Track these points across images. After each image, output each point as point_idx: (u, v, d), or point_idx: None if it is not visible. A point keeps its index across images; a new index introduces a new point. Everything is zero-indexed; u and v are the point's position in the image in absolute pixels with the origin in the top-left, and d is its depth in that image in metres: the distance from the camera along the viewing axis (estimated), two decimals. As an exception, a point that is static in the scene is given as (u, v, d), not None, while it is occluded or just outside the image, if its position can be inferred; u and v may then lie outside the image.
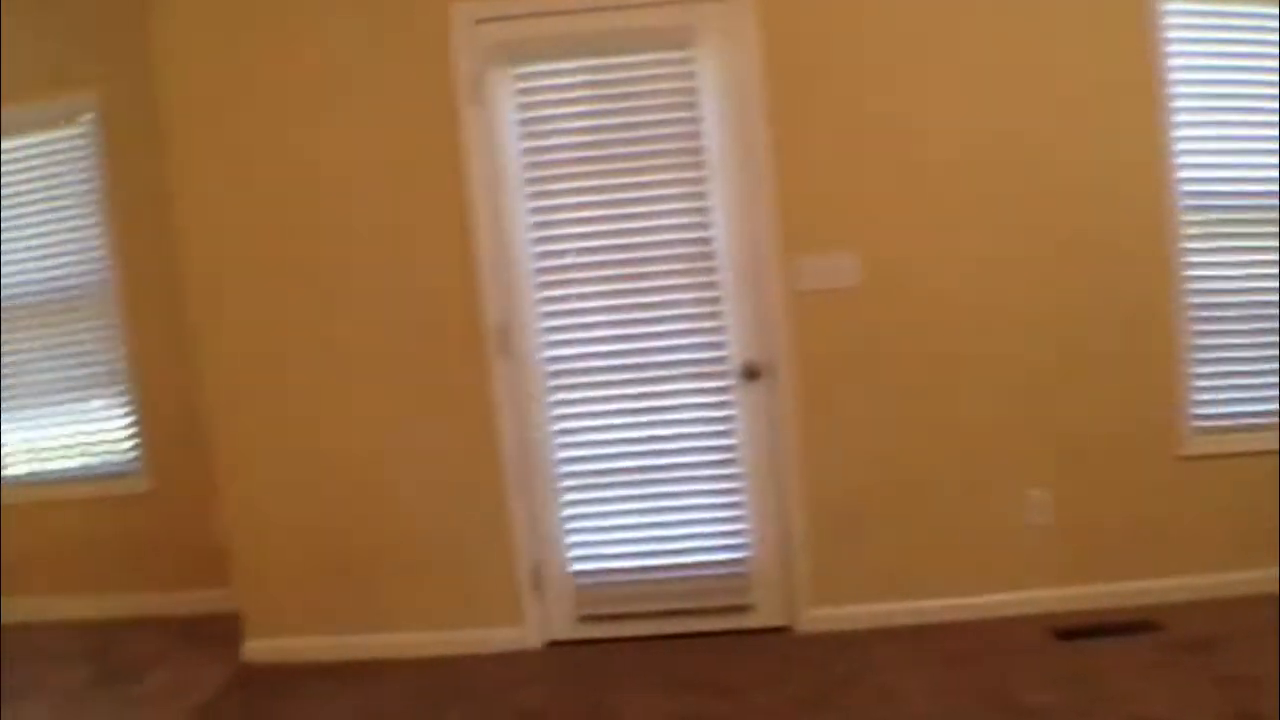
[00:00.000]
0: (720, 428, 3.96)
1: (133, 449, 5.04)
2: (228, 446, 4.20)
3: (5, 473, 5.21)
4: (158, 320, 4.84)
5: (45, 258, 5.01)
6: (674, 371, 3.95)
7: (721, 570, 4.01)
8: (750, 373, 3.92)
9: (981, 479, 3.89)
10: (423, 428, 4.04)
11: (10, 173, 4.98)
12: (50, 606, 5.19)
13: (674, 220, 3.88)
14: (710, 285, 3.90)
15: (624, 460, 4.01)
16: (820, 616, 3.96)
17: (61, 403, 5.12)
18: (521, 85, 3.89)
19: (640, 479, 4.00)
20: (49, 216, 4.97)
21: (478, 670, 3.95)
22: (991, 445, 3.88)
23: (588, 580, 4.08)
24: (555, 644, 4.11)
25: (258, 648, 4.28)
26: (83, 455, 5.13)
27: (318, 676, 4.07)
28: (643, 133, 3.85)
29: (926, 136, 3.78)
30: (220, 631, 4.54)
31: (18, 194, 4.98)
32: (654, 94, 3.84)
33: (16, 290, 5.05)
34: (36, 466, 5.18)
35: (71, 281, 4.99)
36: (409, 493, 4.08)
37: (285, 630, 4.23)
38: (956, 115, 3.78)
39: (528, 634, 4.09)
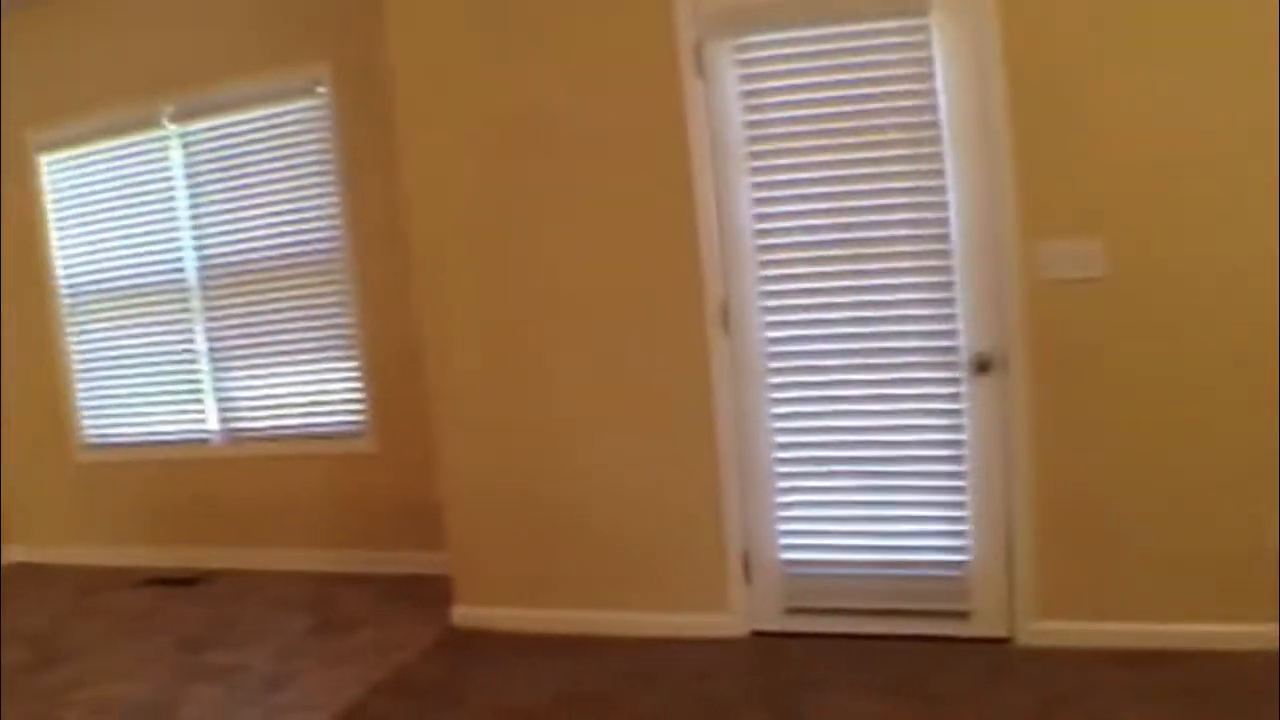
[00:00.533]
0: (946, 421, 3.81)
1: (361, 411, 5.32)
2: (446, 414, 4.35)
3: (246, 426, 5.60)
4: (386, 286, 5.11)
5: (287, 224, 5.36)
6: (899, 360, 3.82)
7: (940, 572, 3.87)
8: (981, 365, 3.73)
9: (1234, 493, 3.55)
10: (638, 402, 4.09)
11: (255, 141, 5.33)
12: (281, 557, 5.61)
13: (903, 200, 3.75)
14: (941, 270, 3.73)
15: (843, 449, 3.93)
16: (1045, 630, 3.75)
17: (301, 363, 5.47)
18: (744, 56, 3.84)
19: (859, 469, 3.90)
20: (291, 184, 5.30)
21: (678, 655, 3.98)
22: (1247, 458, 3.53)
23: (798, 571, 4.03)
24: (760, 634, 4.09)
25: (465, 613, 4.46)
26: (317, 414, 5.45)
27: (519, 647, 4.21)
28: (871, 106, 3.74)
29: (1180, 117, 3.45)
30: (432, 593, 4.76)
31: (262, 162, 5.34)
32: (884, 65, 3.72)
33: (263, 254, 5.41)
34: (275, 422, 5.54)
35: (310, 247, 5.31)
36: (621, 468, 4.15)
37: (492, 598, 4.40)
38: (1209, 98, 3.43)
39: (733, 622, 4.08)
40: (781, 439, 3.98)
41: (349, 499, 5.46)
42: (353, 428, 5.41)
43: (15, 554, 6.53)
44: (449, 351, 4.35)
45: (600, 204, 4.05)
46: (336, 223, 5.26)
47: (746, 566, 4.08)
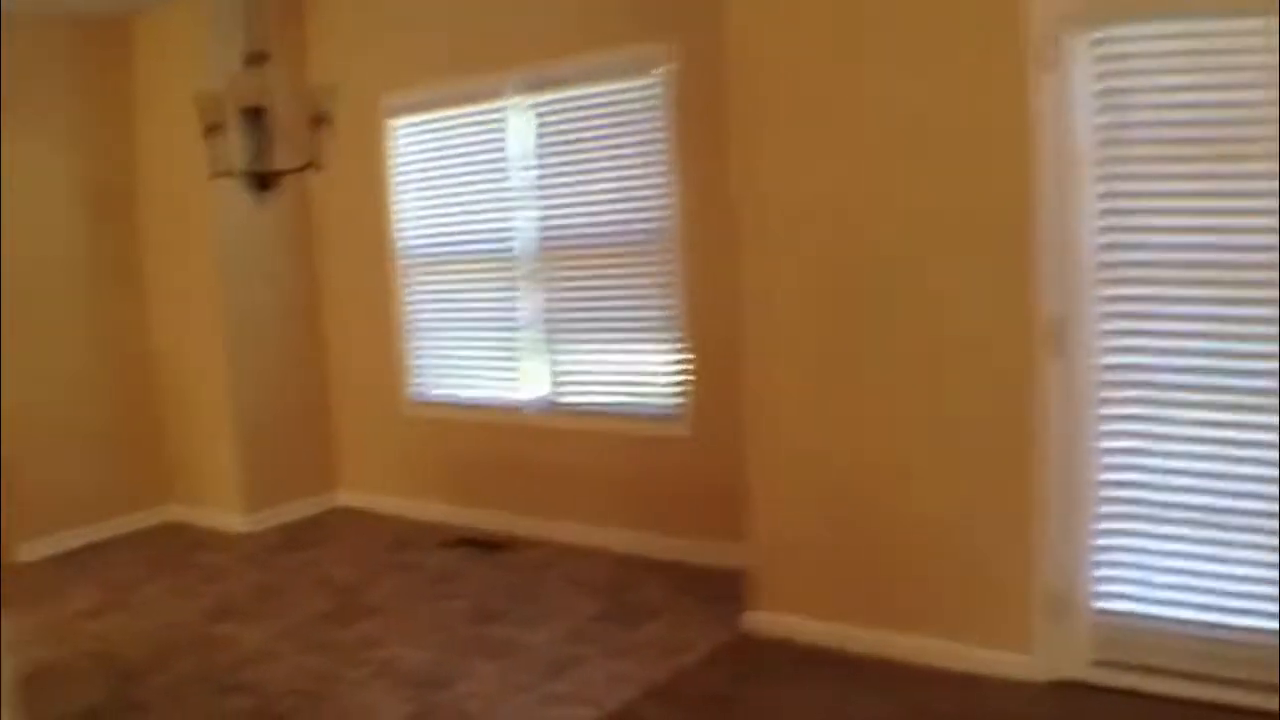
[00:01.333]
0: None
1: (678, 395, 5.42)
2: (759, 404, 4.36)
3: (564, 398, 5.81)
4: (710, 271, 5.19)
5: (619, 201, 5.53)
6: (1267, 400, 3.43)
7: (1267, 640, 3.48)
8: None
9: None
10: (955, 417, 3.98)
11: (594, 117, 5.53)
12: (585, 532, 5.84)
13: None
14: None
15: (1185, 494, 3.64)
16: None
17: (622, 340, 5.65)
18: (1101, 51, 3.59)
19: (1201, 519, 3.57)
20: (625, 161, 5.47)
21: (974, 696, 3.88)
22: None
23: (1115, 620, 3.78)
24: (1063, 684, 3.85)
25: (758, 619, 4.54)
26: (633, 393, 5.59)
27: (807, 663, 4.26)
28: (1249, 112, 3.36)
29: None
30: (728, 591, 4.85)
31: (600, 138, 5.54)
32: (1267, 67, 3.33)
33: (594, 229, 5.60)
34: (592, 397, 5.73)
35: (639, 226, 5.46)
36: (930, 485, 4.10)
37: (785, 604, 4.47)
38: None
39: (1032, 665, 3.93)
40: (1111, 475, 3.73)
41: (657, 481, 5.63)
42: (668, 410, 5.58)
43: (342, 498, 7.22)
44: (767, 341, 4.38)
45: (930, 203, 3.95)
46: (665, 203, 5.44)
47: (1054, 609, 3.86)
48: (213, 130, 4.54)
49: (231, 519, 6.85)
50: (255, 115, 4.43)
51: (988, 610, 4.00)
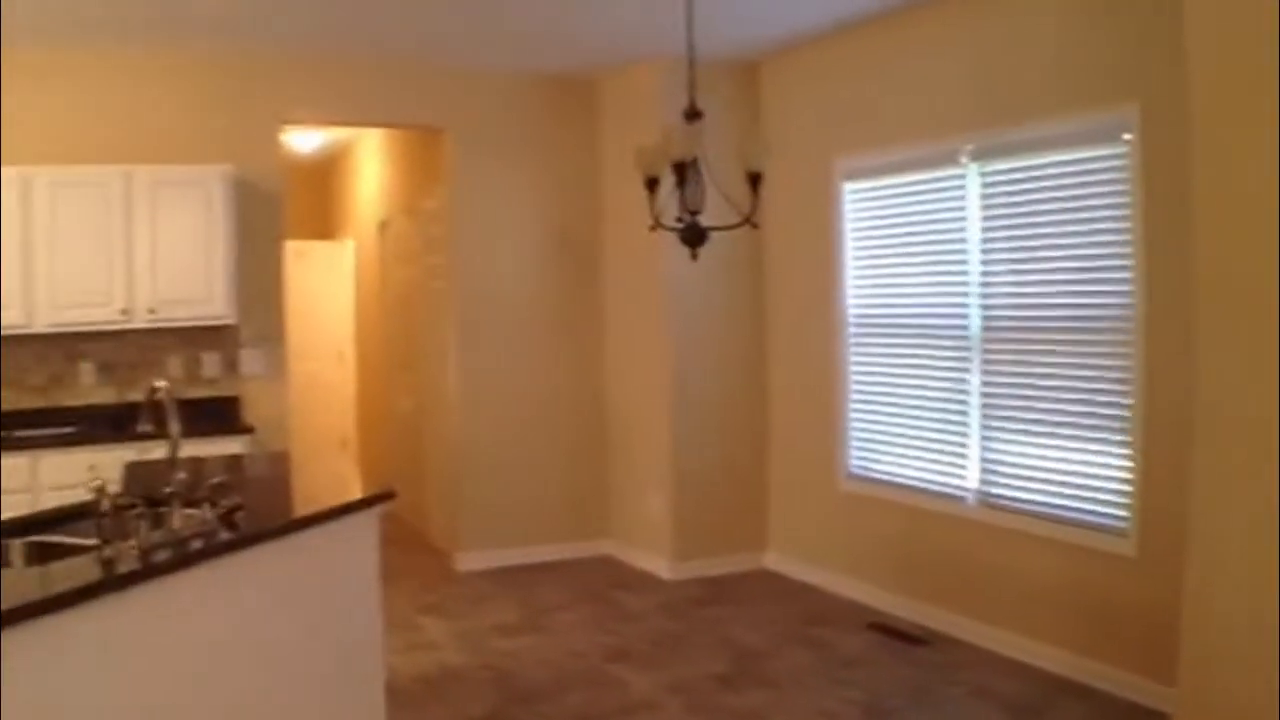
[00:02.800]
0: None
1: (1125, 505, 4.94)
2: (1203, 540, 3.85)
3: (1002, 493, 5.51)
4: (1178, 367, 4.59)
5: (1074, 281, 5.16)
6: None
7: None
8: None
9: None
10: None
11: (1049, 188, 5.27)
12: (1010, 642, 5.47)
13: None
14: None
15: None
16: None
17: (1065, 437, 5.25)
18: None
19: None
20: (1082, 238, 5.10)
21: None
22: None
23: None
24: None
25: None
26: (1073, 498, 5.19)
27: None
28: None
29: None
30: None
31: (1054, 210, 5.22)
32: None
33: (1044, 310, 5.31)
34: (1029, 495, 5.39)
35: (1095, 310, 5.06)
36: None
37: None
38: None
39: None
40: None
41: (1092, 599, 5.10)
42: (1112, 522, 5.04)
43: (770, 560, 7.25)
44: (1217, 462, 3.84)
45: None
46: (1128, 286, 4.94)
47: None
48: (651, 184, 4.79)
49: (659, 564, 7.10)
50: (684, 171, 4.60)
51: None
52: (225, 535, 3.23)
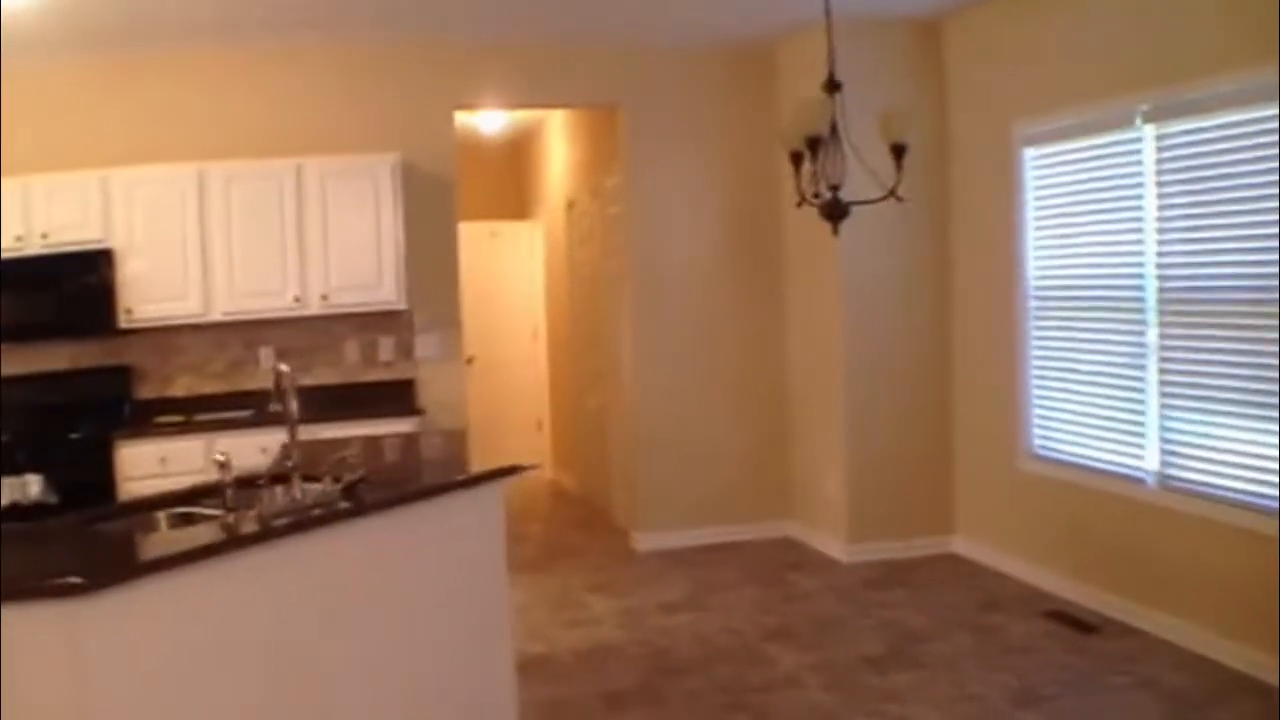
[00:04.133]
0: None
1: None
2: None
3: (1185, 475, 5.37)
4: None
5: (1256, 247, 4.93)
6: None
7: None
8: None
9: None
10: None
11: (1227, 149, 5.05)
12: (1189, 634, 5.27)
13: None
14: None
15: None
16: None
17: (1248, 415, 5.05)
18: None
19: None
20: (1261, 202, 4.88)
21: None
22: None
23: None
24: None
25: None
26: (1260, 482, 5.01)
27: None
28: None
29: None
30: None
31: (1233, 173, 5.01)
32: None
33: (1224, 278, 5.12)
34: (1212, 479, 5.22)
35: (1273, 277, 4.84)
36: None
37: None
38: None
39: None
40: None
41: (1274, 592, 4.95)
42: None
43: (957, 545, 7.14)
44: None
45: None
46: None
47: None
48: (796, 159, 4.88)
49: (836, 547, 7.12)
50: (817, 145, 4.67)
51: None
52: (342, 505, 3.55)
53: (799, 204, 4.95)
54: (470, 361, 10.53)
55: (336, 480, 3.69)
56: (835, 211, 4.78)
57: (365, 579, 3.63)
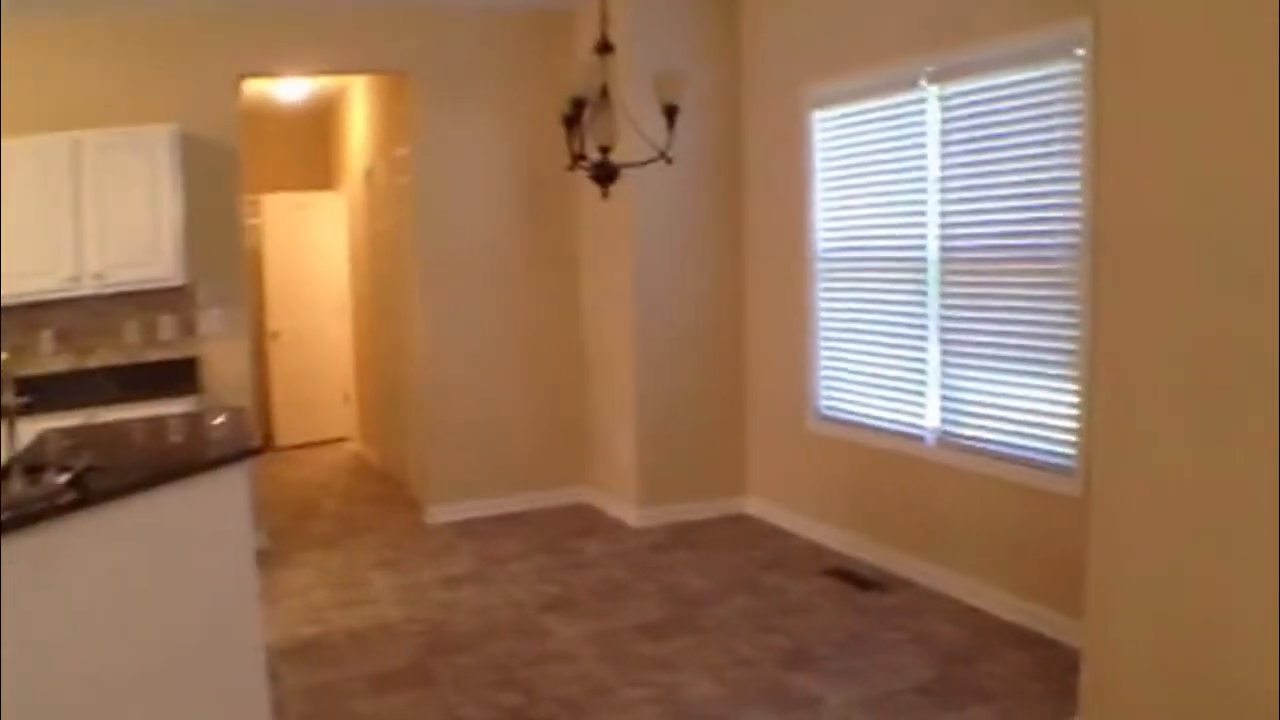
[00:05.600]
0: None
1: (1070, 444, 4.78)
2: (1110, 476, 3.67)
3: (961, 432, 5.38)
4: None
5: (1025, 207, 4.95)
6: None
7: None
8: None
9: None
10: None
11: (1004, 110, 5.03)
12: (961, 585, 5.39)
13: None
14: None
15: None
16: None
17: (1016, 372, 5.09)
18: None
19: None
20: (1034, 161, 4.88)
21: None
22: None
23: None
24: None
25: None
26: (1025, 436, 5.04)
27: None
28: None
29: None
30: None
31: (1010, 134, 5.00)
32: None
33: (997, 239, 5.12)
34: (986, 434, 5.25)
35: (1044, 239, 4.86)
36: None
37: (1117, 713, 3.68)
38: None
39: None
40: None
41: (1041, 542, 4.90)
42: (1060, 460, 4.87)
43: (750, 505, 7.12)
44: (1126, 400, 3.65)
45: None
46: (1077, 212, 4.68)
47: None
48: (567, 122, 4.68)
49: (628, 511, 7.00)
50: (583, 107, 4.48)
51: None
52: (66, 497, 3.23)
53: (570, 167, 4.75)
54: (275, 336, 10.17)
55: (65, 470, 3.35)
56: (603, 173, 4.60)
57: (95, 571, 3.30)
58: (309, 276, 10.36)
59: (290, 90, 9.23)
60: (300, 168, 10.57)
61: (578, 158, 4.61)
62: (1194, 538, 3.32)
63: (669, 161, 4.71)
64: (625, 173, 4.72)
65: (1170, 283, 3.39)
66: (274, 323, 10.16)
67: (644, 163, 4.70)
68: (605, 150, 4.57)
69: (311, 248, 10.38)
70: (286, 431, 10.29)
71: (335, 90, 9.73)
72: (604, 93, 4.52)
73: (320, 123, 10.79)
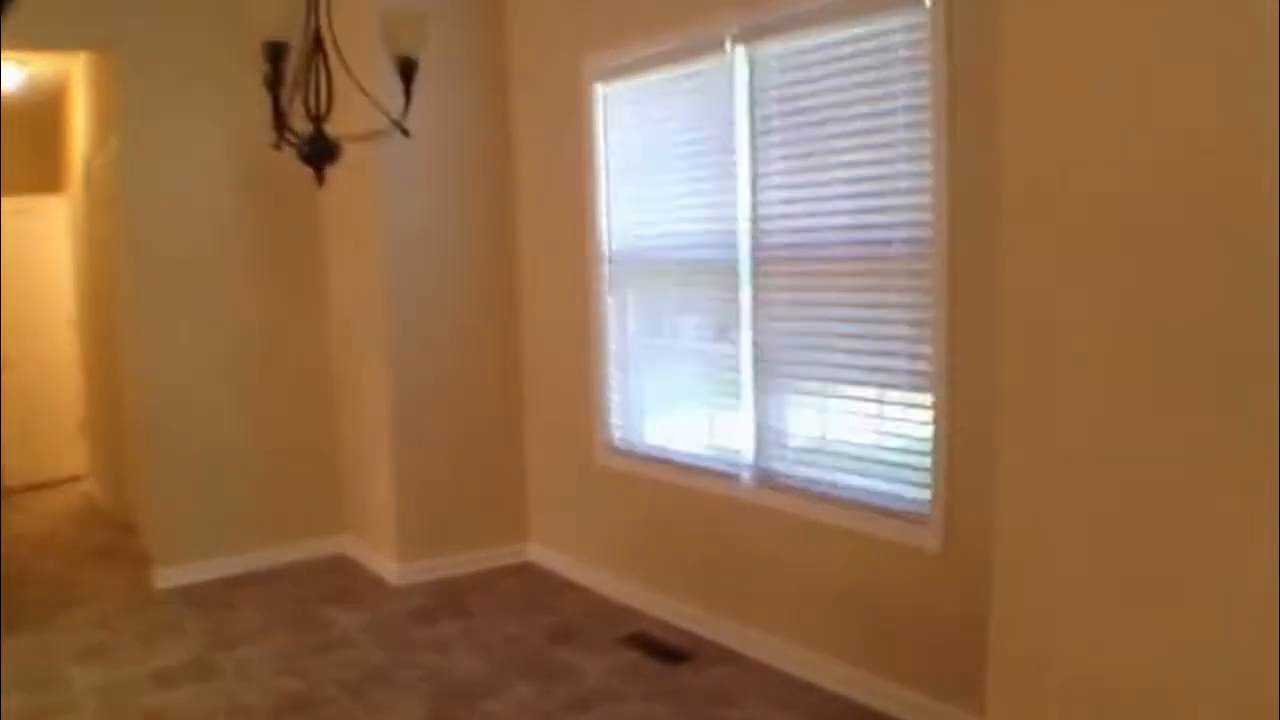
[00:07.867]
0: None
1: (926, 485, 3.76)
2: (1012, 518, 2.62)
3: (781, 468, 4.31)
4: (992, 302, 3.32)
5: (863, 193, 3.91)
6: None
7: None
8: None
9: None
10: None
11: (833, 73, 3.99)
12: (791, 656, 4.34)
13: None
14: None
15: None
16: None
17: (853, 394, 4.05)
18: None
19: None
20: (872, 136, 3.86)
21: None
22: None
23: None
24: None
25: None
26: (867, 474, 3.99)
27: None
28: None
29: None
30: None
31: (840, 102, 3.97)
32: None
33: (826, 231, 4.06)
34: (814, 472, 4.20)
35: (886, 232, 3.84)
36: None
37: None
38: None
39: None
40: None
41: (889, 604, 3.93)
42: (911, 505, 3.86)
43: (534, 553, 5.94)
44: (1032, 417, 2.59)
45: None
46: (926, 199, 3.69)
47: None
48: (269, 83, 3.36)
49: (388, 566, 5.71)
50: (281, 57, 3.17)
51: None
52: None
53: (275, 145, 3.44)
54: (15, 366, 8.40)
55: None
56: (315, 151, 3.31)
57: None
58: (35, 290, 8.58)
59: (4, 79, 7.52)
60: (28, 168, 8.77)
61: (282, 130, 3.30)
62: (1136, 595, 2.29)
63: (406, 133, 3.48)
64: (366, 157, 3.50)
65: (1107, 254, 2.34)
66: (9, 348, 8.41)
67: (368, 136, 3.45)
68: (318, 120, 3.29)
69: (35, 259, 8.60)
70: (16, 471, 8.49)
71: (59, 77, 8.05)
72: (317, 42, 3.25)
73: (45, 117, 8.99)
